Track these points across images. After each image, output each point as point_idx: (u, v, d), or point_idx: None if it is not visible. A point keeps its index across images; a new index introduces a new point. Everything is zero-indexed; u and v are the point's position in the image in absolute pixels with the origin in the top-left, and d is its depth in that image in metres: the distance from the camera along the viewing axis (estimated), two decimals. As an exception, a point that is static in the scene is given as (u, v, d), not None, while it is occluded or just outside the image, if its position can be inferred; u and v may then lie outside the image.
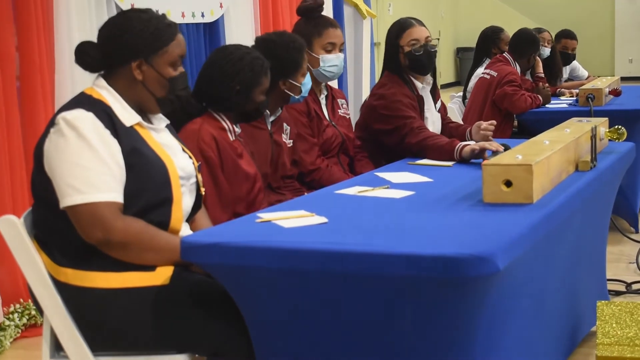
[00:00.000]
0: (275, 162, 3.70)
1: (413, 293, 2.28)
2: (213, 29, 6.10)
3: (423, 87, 4.26)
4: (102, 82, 2.74)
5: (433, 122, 4.33)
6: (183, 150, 2.87)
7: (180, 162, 2.77)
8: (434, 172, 3.51)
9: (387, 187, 3.16)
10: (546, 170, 2.91)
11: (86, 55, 2.72)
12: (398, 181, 3.29)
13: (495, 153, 3.57)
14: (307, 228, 2.57)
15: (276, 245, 2.40)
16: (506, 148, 3.61)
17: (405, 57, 4.18)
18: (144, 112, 2.78)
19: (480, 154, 3.66)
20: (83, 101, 2.67)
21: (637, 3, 18.20)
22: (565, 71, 8.00)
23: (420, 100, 4.22)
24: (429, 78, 4.30)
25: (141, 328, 2.60)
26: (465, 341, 2.34)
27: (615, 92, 6.20)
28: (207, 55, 6.05)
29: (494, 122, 4.25)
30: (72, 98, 2.75)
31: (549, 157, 2.96)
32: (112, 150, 2.58)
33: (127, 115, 2.69)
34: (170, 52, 2.75)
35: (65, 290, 2.63)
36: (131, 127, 2.68)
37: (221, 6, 6.17)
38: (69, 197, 2.54)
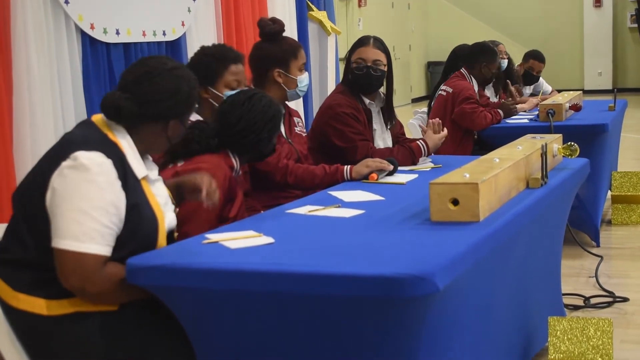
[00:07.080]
0: None
1: (355, 313, 2.30)
2: (175, 48, 6.10)
3: (370, 103, 4.37)
4: (122, 129, 2.68)
5: (384, 139, 4.43)
6: (171, 201, 2.87)
7: (168, 217, 2.77)
8: (387, 190, 3.54)
9: (338, 206, 3.17)
10: (493, 188, 2.94)
11: (124, 110, 2.63)
12: (350, 200, 3.31)
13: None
14: (253, 249, 2.58)
15: (220, 266, 2.41)
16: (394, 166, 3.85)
17: (350, 72, 4.34)
18: (142, 154, 2.74)
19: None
20: (100, 143, 2.60)
21: (606, 16, 18.38)
22: (529, 87, 8.07)
23: (368, 112, 4.35)
24: (378, 98, 4.42)
25: (90, 354, 2.59)
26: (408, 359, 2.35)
27: (576, 107, 6.23)
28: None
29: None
30: (86, 128, 2.67)
31: (496, 175, 2.98)
32: (118, 204, 2.56)
33: (139, 167, 2.66)
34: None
35: (15, 315, 2.61)
36: (138, 180, 2.66)
37: (183, 24, 6.16)
38: (62, 240, 2.50)
